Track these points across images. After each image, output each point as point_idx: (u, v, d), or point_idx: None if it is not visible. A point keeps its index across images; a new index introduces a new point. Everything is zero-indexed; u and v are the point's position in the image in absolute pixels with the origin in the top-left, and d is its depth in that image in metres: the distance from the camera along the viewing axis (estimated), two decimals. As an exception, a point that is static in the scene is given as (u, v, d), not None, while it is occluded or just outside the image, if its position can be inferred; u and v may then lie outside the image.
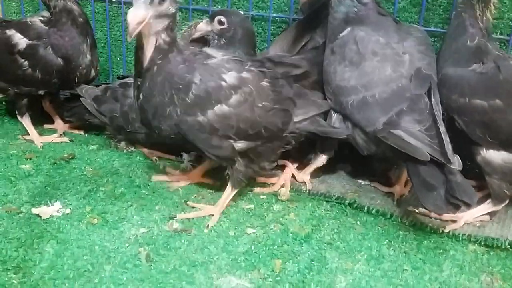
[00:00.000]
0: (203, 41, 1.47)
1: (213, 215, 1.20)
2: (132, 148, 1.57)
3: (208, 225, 1.16)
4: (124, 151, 1.55)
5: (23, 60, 1.50)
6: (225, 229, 1.16)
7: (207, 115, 1.12)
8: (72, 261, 0.99)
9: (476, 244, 1.16)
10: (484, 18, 1.17)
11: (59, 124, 1.71)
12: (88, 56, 1.56)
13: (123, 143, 1.58)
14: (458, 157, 1.13)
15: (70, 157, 1.48)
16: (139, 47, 1.09)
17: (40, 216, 1.14)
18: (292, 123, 1.24)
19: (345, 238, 1.15)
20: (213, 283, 0.97)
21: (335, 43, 1.29)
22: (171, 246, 1.07)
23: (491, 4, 1.17)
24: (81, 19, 1.54)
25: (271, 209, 1.26)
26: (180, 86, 1.11)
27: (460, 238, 1.18)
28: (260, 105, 1.17)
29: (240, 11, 1.59)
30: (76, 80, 1.57)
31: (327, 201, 1.31)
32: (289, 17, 1.61)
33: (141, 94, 1.14)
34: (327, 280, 1.00)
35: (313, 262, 1.06)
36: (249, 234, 1.14)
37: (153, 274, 0.97)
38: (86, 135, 1.68)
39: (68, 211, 1.18)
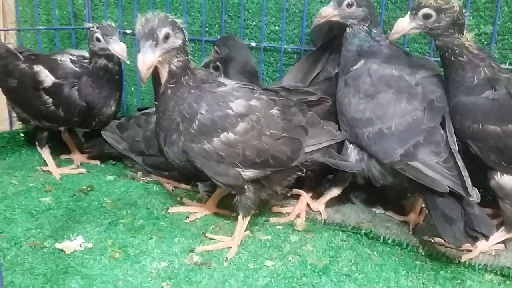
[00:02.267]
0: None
1: (231, 247, 1.22)
2: (149, 179, 1.60)
3: (226, 257, 1.18)
4: (141, 182, 1.58)
5: (47, 97, 1.54)
6: (244, 262, 1.17)
7: (213, 143, 1.15)
8: (98, 296, 1.01)
9: (492, 274, 1.17)
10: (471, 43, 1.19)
11: (76, 155, 1.74)
12: (113, 108, 1.61)
13: (139, 173, 1.61)
14: (476, 189, 1.15)
15: (88, 189, 1.51)
16: (155, 73, 1.13)
17: (64, 251, 1.16)
18: (302, 152, 1.23)
19: (363, 269, 1.17)
20: (236, 318, 0.98)
21: (348, 75, 1.33)
22: (192, 280, 1.09)
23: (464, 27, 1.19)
24: (117, 77, 1.58)
25: (288, 239, 1.28)
26: (187, 116, 1.14)
27: (476, 267, 1.19)
28: (268, 133, 1.18)
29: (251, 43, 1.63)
30: (94, 124, 1.62)
31: (343, 231, 1.33)
32: (300, 48, 1.65)
33: (156, 117, 1.20)
34: (347, 314, 1.02)
35: (332, 295, 1.07)
36: (268, 266, 1.16)
37: (177, 310, 0.99)
38: (103, 165, 1.72)
39: (90, 245, 1.20)
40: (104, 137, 1.62)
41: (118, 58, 1.49)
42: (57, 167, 1.64)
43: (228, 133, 1.15)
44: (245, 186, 1.20)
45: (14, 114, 1.72)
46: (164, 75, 1.13)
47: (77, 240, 1.21)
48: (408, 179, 1.21)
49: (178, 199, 1.47)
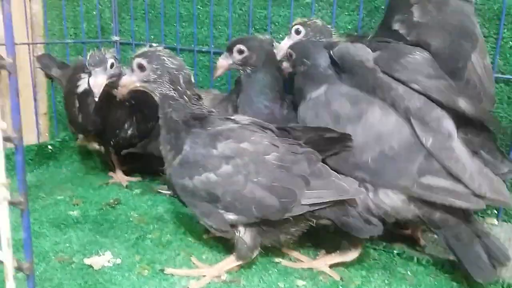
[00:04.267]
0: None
1: (205, 276, 1.14)
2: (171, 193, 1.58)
3: (187, 287, 1.10)
4: (167, 196, 1.57)
5: (77, 101, 1.57)
6: (274, 280, 1.14)
7: (193, 181, 1.11)
8: (127, 315, 1.00)
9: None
10: None
11: (118, 175, 1.73)
12: (130, 132, 1.58)
13: (165, 187, 1.60)
14: None
15: (115, 202, 1.51)
16: None
17: (92, 267, 1.15)
18: (298, 205, 1.10)
19: (398, 291, 1.13)
20: None
21: (312, 103, 1.23)
22: (222, 298, 1.07)
23: None
24: (127, 103, 1.54)
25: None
26: (173, 148, 1.16)
27: (514, 288, 1.14)
28: (256, 180, 1.09)
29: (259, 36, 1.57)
30: (113, 143, 1.62)
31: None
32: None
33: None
34: (383, 337, 0.98)
35: (366, 317, 1.04)
36: (298, 286, 1.13)
37: (207, 330, 0.97)
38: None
39: (118, 261, 1.19)
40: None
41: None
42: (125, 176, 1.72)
43: (210, 173, 1.10)
44: (234, 230, 1.14)
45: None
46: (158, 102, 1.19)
47: (106, 256, 1.20)
48: (429, 205, 1.11)
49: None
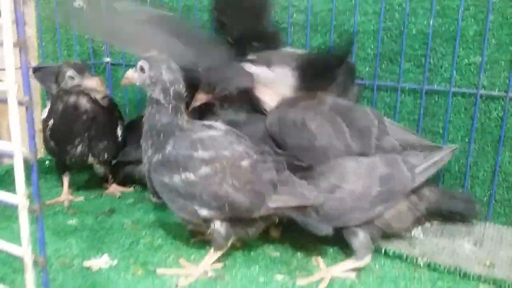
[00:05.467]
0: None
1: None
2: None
3: (176, 285, 1.22)
4: (158, 203, 1.70)
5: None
6: (255, 276, 1.27)
7: (173, 179, 1.23)
8: (124, 309, 1.12)
9: (486, 284, 1.26)
10: None
11: (112, 187, 1.86)
12: (79, 148, 1.64)
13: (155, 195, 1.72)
14: None
15: (110, 212, 1.64)
16: None
17: (91, 269, 1.28)
18: (265, 207, 1.24)
19: (365, 282, 1.26)
20: (249, 326, 1.08)
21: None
22: (208, 292, 1.20)
23: None
24: (84, 117, 1.60)
25: (295, 256, 1.39)
26: (154, 146, 1.27)
27: (471, 278, 1.27)
28: (231, 182, 1.22)
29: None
30: (69, 159, 1.68)
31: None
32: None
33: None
34: (350, 321, 1.11)
35: (337, 305, 1.17)
36: (277, 280, 1.26)
37: (195, 319, 1.10)
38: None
39: (115, 263, 1.31)
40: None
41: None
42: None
43: (190, 174, 1.23)
44: (209, 224, 1.26)
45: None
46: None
47: (103, 259, 1.32)
48: None
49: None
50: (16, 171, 0.62)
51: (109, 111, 1.69)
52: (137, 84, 1.31)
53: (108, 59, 2.13)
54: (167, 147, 1.26)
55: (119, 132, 1.74)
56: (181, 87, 1.28)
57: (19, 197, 0.65)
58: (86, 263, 1.30)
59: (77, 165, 1.72)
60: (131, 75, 1.31)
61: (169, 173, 1.24)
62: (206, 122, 1.35)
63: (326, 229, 1.27)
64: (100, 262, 1.30)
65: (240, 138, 1.31)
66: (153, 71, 1.26)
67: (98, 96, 1.60)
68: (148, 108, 1.29)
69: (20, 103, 0.56)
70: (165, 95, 1.26)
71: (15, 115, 0.56)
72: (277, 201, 1.24)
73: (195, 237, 1.45)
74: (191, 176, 1.22)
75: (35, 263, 0.73)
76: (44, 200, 1.72)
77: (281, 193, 1.25)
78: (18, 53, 0.65)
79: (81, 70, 1.57)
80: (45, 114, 1.70)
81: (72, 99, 1.59)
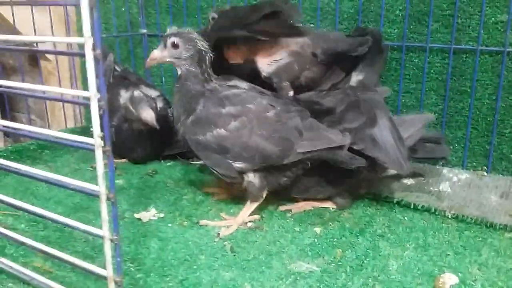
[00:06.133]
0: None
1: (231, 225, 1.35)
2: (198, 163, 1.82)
3: (218, 233, 1.31)
4: (197, 166, 1.81)
5: None
6: (291, 226, 1.37)
7: (206, 136, 1.34)
8: (173, 253, 1.23)
9: (511, 233, 1.33)
10: None
11: None
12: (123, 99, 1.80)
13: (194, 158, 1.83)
14: None
15: (153, 172, 1.76)
16: None
17: (141, 220, 1.40)
18: (294, 153, 1.32)
19: (395, 231, 1.34)
20: (287, 267, 1.18)
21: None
22: (248, 240, 1.30)
23: None
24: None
25: (328, 209, 1.48)
26: (186, 110, 1.37)
27: (497, 227, 1.34)
28: (259, 132, 1.32)
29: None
30: None
31: (377, 201, 1.51)
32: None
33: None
34: (381, 264, 1.20)
35: (368, 251, 1.25)
36: (314, 231, 1.36)
37: (238, 262, 1.20)
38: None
39: (162, 215, 1.43)
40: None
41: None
42: None
43: (221, 129, 1.33)
44: (243, 176, 1.35)
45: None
46: (179, 74, 1.41)
47: (151, 212, 1.44)
48: None
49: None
50: (92, 115, 0.72)
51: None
52: (168, 60, 1.39)
53: (144, 31, 2.23)
54: (197, 107, 1.36)
55: None
56: (211, 54, 1.39)
57: (95, 139, 0.76)
58: (137, 215, 1.42)
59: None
60: (160, 54, 1.39)
61: (202, 131, 1.34)
62: (230, 83, 1.44)
63: (359, 162, 1.33)
64: (149, 214, 1.43)
65: (262, 93, 1.41)
66: (188, 43, 1.36)
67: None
68: (183, 79, 1.39)
69: (94, 56, 0.66)
70: (200, 64, 1.37)
71: (91, 66, 0.65)
72: (305, 146, 1.32)
73: (215, 195, 1.56)
74: (222, 131, 1.33)
75: (108, 198, 0.84)
76: (91, 163, 1.85)
77: (307, 138, 1.33)
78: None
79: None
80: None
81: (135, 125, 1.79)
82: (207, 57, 1.38)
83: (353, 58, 1.55)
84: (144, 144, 1.83)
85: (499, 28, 1.54)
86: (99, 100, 0.68)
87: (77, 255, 1.15)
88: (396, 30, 1.68)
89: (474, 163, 1.68)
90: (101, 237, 0.86)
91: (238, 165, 1.34)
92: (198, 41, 1.37)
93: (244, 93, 1.39)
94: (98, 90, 0.68)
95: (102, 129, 0.75)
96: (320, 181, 1.44)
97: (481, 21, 1.54)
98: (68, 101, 1.45)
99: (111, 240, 0.85)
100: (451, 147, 1.69)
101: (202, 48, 1.37)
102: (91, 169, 1.81)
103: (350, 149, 1.32)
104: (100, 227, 0.86)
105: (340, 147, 1.32)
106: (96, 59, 0.67)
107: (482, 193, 1.52)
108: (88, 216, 1.43)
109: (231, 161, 1.34)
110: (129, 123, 1.78)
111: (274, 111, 1.35)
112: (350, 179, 1.43)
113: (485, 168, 1.67)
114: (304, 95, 1.50)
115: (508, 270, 1.16)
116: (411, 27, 1.66)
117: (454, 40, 1.59)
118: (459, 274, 1.15)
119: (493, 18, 1.54)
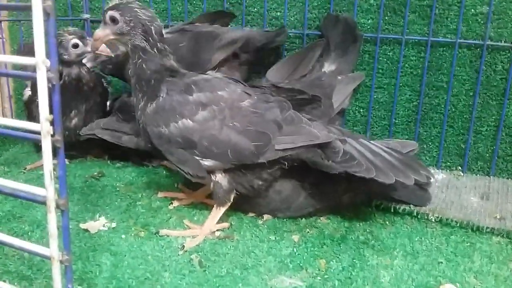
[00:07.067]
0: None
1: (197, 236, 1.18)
2: (154, 164, 1.61)
3: (183, 245, 1.14)
4: (150, 167, 1.60)
5: None
6: (265, 234, 1.21)
7: (169, 128, 1.15)
8: (130, 270, 1.04)
9: (499, 236, 1.24)
10: None
11: None
12: (74, 122, 1.54)
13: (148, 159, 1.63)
14: None
15: (99, 175, 1.53)
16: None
17: (89, 231, 1.18)
18: (271, 149, 1.15)
19: (378, 237, 1.22)
20: (267, 284, 1.02)
21: None
22: (219, 252, 1.13)
23: None
24: (85, 87, 1.53)
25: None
26: (144, 95, 1.18)
27: (484, 231, 1.25)
28: (231, 124, 1.14)
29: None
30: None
31: (354, 205, 1.38)
32: (302, 33, 1.66)
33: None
34: (371, 276, 1.07)
35: (354, 260, 1.12)
36: (289, 238, 1.20)
37: (210, 278, 1.02)
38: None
39: (114, 225, 1.22)
40: (101, 136, 1.53)
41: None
42: None
43: (187, 119, 1.15)
44: (211, 176, 1.18)
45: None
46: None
47: (100, 221, 1.23)
48: None
49: (176, 185, 1.48)
50: (39, 89, 0.52)
51: (101, 82, 1.63)
52: (112, 38, 1.18)
53: (87, 16, 1.98)
54: (160, 94, 1.16)
55: (108, 102, 1.67)
56: (160, 23, 1.18)
57: (42, 124, 0.55)
58: (83, 226, 1.20)
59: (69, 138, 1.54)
60: (102, 33, 1.18)
61: (165, 121, 1.15)
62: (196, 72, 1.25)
63: (389, 179, 1.13)
64: (98, 224, 1.21)
65: (236, 81, 1.24)
66: (127, 14, 1.15)
67: (98, 60, 1.57)
68: (133, 59, 1.18)
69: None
70: (147, 36, 1.15)
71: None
72: (284, 142, 1.15)
73: (175, 200, 1.37)
74: (188, 122, 1.14)
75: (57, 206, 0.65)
76: (24, 165, 1.59)
77: (287, 133, 1.16)
78: None
79: (83, 37, 1.48)
80: (28, 92, 1.60)
81: (74, 70, 1.49)
82: (153, 28, 1.16)
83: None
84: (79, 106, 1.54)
85: (479, 20, 1.46)
86: (48, 70, 0.48)
87: (10, 276, 0.93)
88: (370, 21, 1.57)
89: (449, 163, 1.60)
90: (48, 258, 0.66)
91: (207, 163, 1.15)
92: (138, 10, 1.15)
93: (216, 78, 1.21)
94: (48, 55, 0.48)
95: (51, 111, 0.54)
96: (300, 193, 1.27)
97: (460, 12, 1.46)
98: None
99: (61, 262, 0.65)
100: (425, 146, 1.60)
101: (143, 17, 1.15)
102: (24, 171, 1.56)
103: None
104: (40, 241, 0.66)
105: (326, 144, 1.17)
106: (45, 14, 0.47)
107: (461, 194, 1.44)
108: (23, 227, 1.18)
109: (198, 158, 1.15)
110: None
111: (250, 101, 1.17)
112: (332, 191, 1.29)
113: (460, 168, 1.59)
114: (285, 83, 1.35)
115: (506, 278, 1.08)
116: (386, 18, 1.55)
117: (431, 32, 1.50)
118: (457, 284, 1.04)
119: (472, 10, 1.46)
